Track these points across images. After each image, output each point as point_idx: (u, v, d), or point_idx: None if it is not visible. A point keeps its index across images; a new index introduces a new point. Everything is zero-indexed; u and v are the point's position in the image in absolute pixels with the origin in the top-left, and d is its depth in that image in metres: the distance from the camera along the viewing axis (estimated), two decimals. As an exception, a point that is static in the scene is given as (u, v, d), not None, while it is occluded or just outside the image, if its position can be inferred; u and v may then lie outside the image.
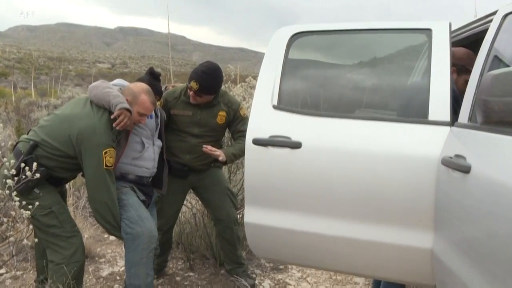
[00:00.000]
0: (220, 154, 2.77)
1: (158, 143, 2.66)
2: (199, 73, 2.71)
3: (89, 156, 2.23)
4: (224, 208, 2.98)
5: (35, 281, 2.63)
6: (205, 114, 2.85)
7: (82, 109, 2.30)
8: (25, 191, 2.19)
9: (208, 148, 2.75)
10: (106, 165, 2.25)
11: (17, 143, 2.36)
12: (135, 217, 2.36)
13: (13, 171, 2.14)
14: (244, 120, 2.93)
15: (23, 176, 2.14)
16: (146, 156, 2.54)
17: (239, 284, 3.03)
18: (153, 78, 2.62)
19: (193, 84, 2.70)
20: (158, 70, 2.76)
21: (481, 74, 1.73)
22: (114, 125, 2.26)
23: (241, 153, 2.79)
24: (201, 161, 2.94)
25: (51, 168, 2.27)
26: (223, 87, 2.98)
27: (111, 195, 2.31)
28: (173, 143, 2.88)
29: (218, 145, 3.03)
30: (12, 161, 2.23)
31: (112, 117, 2.26)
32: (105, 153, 2.23)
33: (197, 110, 2.85)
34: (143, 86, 2.45)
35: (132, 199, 2.43)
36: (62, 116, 2.32)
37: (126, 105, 2.28)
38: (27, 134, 2.39)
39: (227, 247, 3.08)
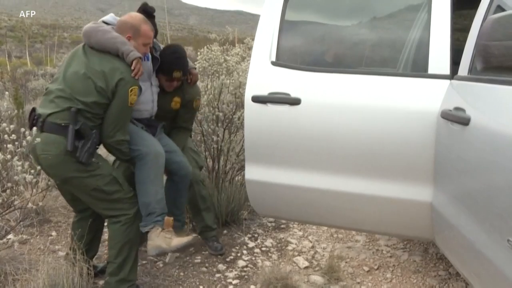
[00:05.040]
0: None
1: (156, 82, 2.63)
2: (174, 60, 2.60)
3: (117, 94, 2.21)
4: None
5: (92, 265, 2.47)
6: (161, 98, 2.72)
7: (97, 60, 2.22)
8: (89, 159, 2.15)
9: None
10: (130, 103, 2.25)
11: (42, 122, 2.17)
12: (137, 139, 2.39)
13: (38, 139, 2.08)
14: (193, 111, 2.87)
15: (82, 145, 2.11)
16: (143, 100, 2.50)
17: (209, 249, 3.03)
18: (147, 15, 2.49)
19: (177, 74, 2.60)
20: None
21: (483, 23, 1.70)
22: (132, 75, 2.24)
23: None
24: None
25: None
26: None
27: (127, 132, 2.33)
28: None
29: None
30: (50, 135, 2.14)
31: (133, 72, 2.23)
32: (131, 91, 2.22)
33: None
34: (138, 16, 2.38)
35: (132, 126, 2.45)
36: (77, 74, 2.20)
37: (138, 54, 2.25)
38: (42, 107, 2.22)
39: (191, 208, 3.05)
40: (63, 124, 2.12)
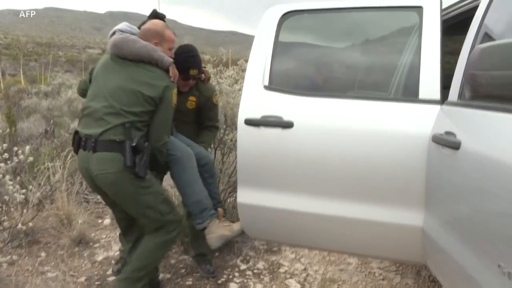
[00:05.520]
0: None
1: None
2: (189, 58, 2.70)
3: (164, 99, 2.29)
4: None
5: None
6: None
7: (135, 70, 2.27)
8: (146, 172, 2.20)
9: None
10: (174, 104, 2.37)
11: (95, 142, 2.17)
12: (169, 145, 2.47)
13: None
14: (215, 108, 2.97)
15: (139, 160, 2.13)
16: None
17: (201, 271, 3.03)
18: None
19: (193, 72, 2.70)
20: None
21: (471, 52, 1.74)
22: (171, 80, 2.35)
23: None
24: None
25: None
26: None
27: (169, 134, 2.43)
28: None
29: (191, 127, 3.00)
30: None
31: (171, 77, 2.34)
32: (174, 93, 2.34)
33: None
34: (160, 23, 2.48)
35: None
36: (122, 87, 2.24)
37: (170, 59, 2.36)
38: (87, 128, 2.22)
39: (192, 232, 3.05)
40: (118, 140, 2.14)
